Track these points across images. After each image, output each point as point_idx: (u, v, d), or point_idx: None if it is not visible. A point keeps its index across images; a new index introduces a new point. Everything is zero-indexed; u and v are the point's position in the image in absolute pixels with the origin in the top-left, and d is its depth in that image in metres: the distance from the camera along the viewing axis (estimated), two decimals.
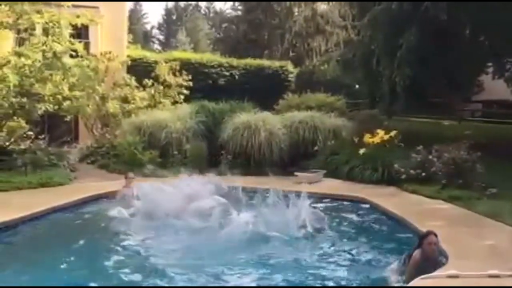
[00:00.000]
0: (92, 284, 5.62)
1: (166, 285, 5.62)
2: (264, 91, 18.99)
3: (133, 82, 16.44)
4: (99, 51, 16.85)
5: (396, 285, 5.48)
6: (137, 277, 5.80)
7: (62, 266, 6.05)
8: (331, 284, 5.72)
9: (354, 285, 5.74)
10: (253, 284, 5.69)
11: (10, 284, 5.51)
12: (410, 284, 5.05)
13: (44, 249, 6.80)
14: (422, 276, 5.13)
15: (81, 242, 7.07)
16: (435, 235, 5.64)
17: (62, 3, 12.62)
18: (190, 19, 62.77)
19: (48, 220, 8.17)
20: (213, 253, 6.58)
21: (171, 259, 6.34)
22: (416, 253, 5.60)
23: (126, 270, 5.96)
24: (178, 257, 6.49)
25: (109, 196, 9.43)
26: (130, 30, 27.10)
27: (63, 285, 5.60)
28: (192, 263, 6.21)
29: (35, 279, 5.59)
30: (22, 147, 12.54)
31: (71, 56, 12.45)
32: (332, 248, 7.06)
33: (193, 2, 64.24)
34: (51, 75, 11.98)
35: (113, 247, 6.87)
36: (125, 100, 15.84)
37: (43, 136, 13.60)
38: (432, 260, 5.58)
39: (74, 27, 13.12)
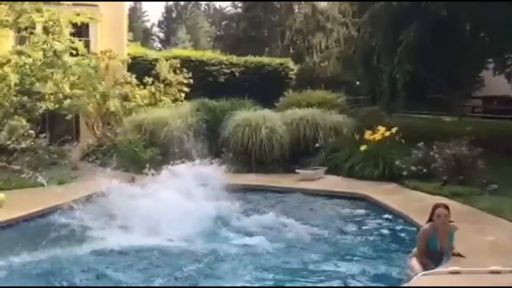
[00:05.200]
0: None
1: (166, 285, 5.65)
2: (265, 88, 18.97)
3: (134, 80, 16.43)
4: (100, 49, 16.85)
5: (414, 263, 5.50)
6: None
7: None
8: (334, 282, 5.73)
9: (353, 282, 5.74)
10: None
11: None
12: (410, 283, 5.06)
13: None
14: (424, 272, 5.14)
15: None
16: (446, 208, 5.63)
17: (61, 2, 12.64)
18: (190, 17, 62.73)
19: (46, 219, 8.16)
20: None
21: None
22: (426, 225, 5.66)
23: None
24: None
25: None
26: (130, 28, 27.15)
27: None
28: None
29: None
30: (23, 146, 12.54)
31: (72, 54, 12.46)
32: (333, 245, 7.08)
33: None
34: (51, 73, 12.02)
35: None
36: (125, 98, 15.82)
37: (44, 135, 13.60)
38: (441, 232, 5.59)
39: (74, 25, 13.13)
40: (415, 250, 5.75)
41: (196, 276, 5.87)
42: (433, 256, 5.59)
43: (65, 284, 5.63)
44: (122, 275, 5.90)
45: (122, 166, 11.82)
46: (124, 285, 5.65)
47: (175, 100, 16.72)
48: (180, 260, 6.35)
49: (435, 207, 5.66)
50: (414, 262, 5.52)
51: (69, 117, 14.05)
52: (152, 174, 8.75)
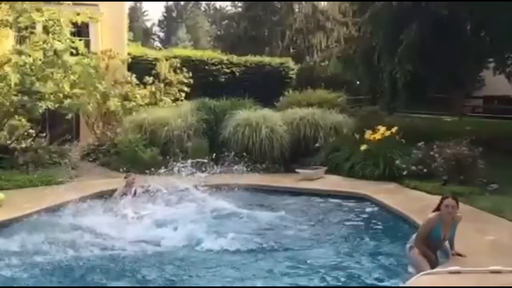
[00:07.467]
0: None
1: (164, 285, 5.65)
2: (265, 88, 18.97)
3: (134, 80, 16.43)
4: (100, 49, 16.85)
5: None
6: None
7: None
8: (334, 281, 5.72)
9: (353, 282, 5.73)
10: None
11: None
12: (410, 283, 5.05)
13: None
14: (424, 272, 5.13)
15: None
16: (455, 199, 5.64)
17: (62, 1, 12.63)
18: (190, 17, 62.70)
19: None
20: None
21: None
22: (432, 214, 5.67)
23: None
24: None
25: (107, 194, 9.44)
26: (130, 28, 27.10)
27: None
28: None
29: None
30: (24, 145, 12.55)
31: (72, 54, 12.43)
32: (332, 244, 7.08)
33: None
34: (52, 73, 11.98)
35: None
36: (126, 97, 15.82)
37: (44, 134, 13.63)
38: (446, 223, 5.60)
39: (74, 25, 13.12)
40: (412, 238, 5.74)
41: (193, 276, 5.87)
42: (434, 245, 5.61)
43: None
44: None
45: (122, 166, 11.81)
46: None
47: (176, 100, 16.72)
48: (172, 262, 6.33)
49: (444, 197, 5.68)
50: (419, 258, 5.50)
51: (69, 116, 14.05)
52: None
